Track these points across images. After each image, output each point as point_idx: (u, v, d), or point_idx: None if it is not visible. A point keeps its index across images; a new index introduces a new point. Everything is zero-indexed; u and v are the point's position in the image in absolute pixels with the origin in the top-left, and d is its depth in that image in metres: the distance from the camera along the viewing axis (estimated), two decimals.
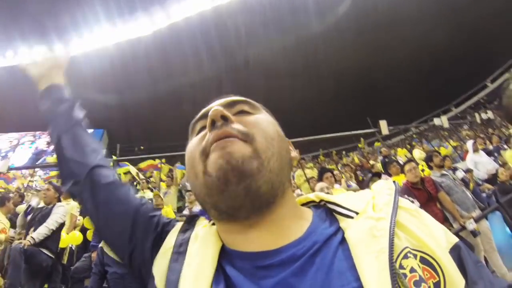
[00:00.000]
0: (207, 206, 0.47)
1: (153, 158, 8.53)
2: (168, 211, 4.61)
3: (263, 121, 0.50)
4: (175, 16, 16.43)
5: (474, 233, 3.14)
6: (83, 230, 4.32)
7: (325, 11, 17.25)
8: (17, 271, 3.21)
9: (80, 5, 16.08)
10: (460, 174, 4.11)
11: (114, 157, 8.40)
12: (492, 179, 5.66)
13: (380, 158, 8.36)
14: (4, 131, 18.78)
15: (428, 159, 4.16)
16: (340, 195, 0.52)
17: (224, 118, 0.48)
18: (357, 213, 0.45)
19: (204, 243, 0.49)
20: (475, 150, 6.14)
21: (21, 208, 4.79)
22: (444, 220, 3.44)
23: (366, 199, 0.48)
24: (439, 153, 4.34)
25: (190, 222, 0.57)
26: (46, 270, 3.76)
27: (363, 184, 5.81)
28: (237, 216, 0.45)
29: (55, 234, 3.86)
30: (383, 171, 6.75)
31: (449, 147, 9.18)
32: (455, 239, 0.45)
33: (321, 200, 0.53)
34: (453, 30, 17.59)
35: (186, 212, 5.00)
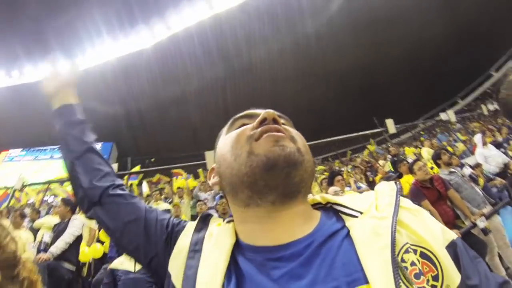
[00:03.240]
0: (241, 187, 0.51)
1: (165, 170, 8.55)
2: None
3: (301, 136, 0.57)
4: (174, 27, 16.48)
5: (484, 231, 3.10)
6: (100, 242, 4.40)
7: (321, 11, 17.15)
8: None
9: (83, 21, 16.29)
10: (467, 171, 4.05)
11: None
12: (504, 172, 5.49)
13: (389, 157, 8.29)
14: (6, 148, 19.17)
15: (436, 157, 4.08)
16: (345, 196, 0.57)
17: (275, 121, 0.54)
18: (361, 213, 0.49)
19: (219, 239, 0.53)
20: (484, 143, 6.05)
21: (38, 223, 4.91)
22: (455, 218, 3.43)
23: (370, 200, 0.52)
24: (447, 151, 4.30)
25: (204, 221, 0.62)
26: (67, 283, 3.87)
27: (374, 186, 5.79)
28: (267, 197, 0.49)
29: (73, 246, 3.98)
30: (393, 170, 6.70)
31: (458, 145, 8.81)
32: (452, 236, 0.49)
33: (327, 202, 0.57)
34: (451, 21, 17.34)
35: None
